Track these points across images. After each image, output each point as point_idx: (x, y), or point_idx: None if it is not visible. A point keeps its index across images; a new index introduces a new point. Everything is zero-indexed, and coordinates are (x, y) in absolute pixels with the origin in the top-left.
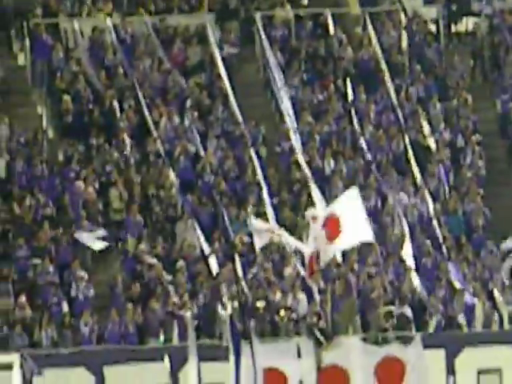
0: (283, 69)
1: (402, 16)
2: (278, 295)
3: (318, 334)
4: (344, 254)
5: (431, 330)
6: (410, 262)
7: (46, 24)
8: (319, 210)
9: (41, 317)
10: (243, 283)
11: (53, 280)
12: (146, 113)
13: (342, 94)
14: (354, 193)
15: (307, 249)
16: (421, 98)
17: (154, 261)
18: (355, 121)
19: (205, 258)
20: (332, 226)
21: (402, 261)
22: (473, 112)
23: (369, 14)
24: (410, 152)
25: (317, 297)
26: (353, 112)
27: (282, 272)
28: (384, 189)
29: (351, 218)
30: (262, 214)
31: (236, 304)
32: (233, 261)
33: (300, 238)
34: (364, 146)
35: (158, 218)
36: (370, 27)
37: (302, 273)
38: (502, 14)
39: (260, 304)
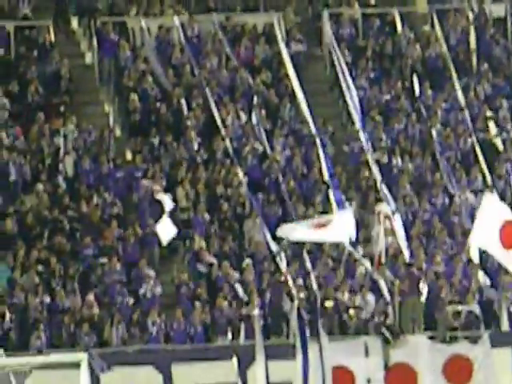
0: (350, 67)
1: (470, 14)
2: (347, 294)
3: (385, 332)
4: (412, 252)
5: (503, 328)
6: (477, 260)
7: (113, 22)
8: (386, 207)
9: (110, 315)
10: (312, 280)
11: (120, 278)
12: (214, 111)
13: (409, 93)
14: None
15: (376, 245)
16: (488, 96)
17: (213, 260)
18: (423, 119)
19: (272, 256)
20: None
21: (470, 259)
22: None
23: (436, 12)
24: (478, 151)
25: (384, 295)
26: (421, 110)
27: (351, 270)
28: (451, 188)
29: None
30: (328, 213)
31: (303, 296)
32: (301, 258)
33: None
34: (433, 144)
35: (225, 217)
36: (437, 25)
37: (371, 270)
38: None
39: (328, 304)
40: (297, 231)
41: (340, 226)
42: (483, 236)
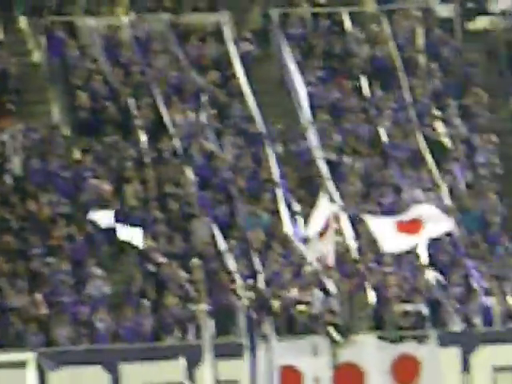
0: (299, 67)
1: (418, 14)
2: (295, 292)
3: (333, 331)
4: (360, 250)
5: (451, 328)
6: (425, 258)
7: (62, 21)
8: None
9: (58, 314)
10: (260, 280)
11: (68, 278)
12: (162, 110)
13: (358, 92)
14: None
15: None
16: (436, 95)
17: (162, 259)
18: (371, 118)
19: (221, 255)
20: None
21: (418, 257)
22: (488, 110)
23: (385, 12)
24: (426, 149)
25: (332, 294)
26: (370, 109)
27: (299, 269)
28: (400, 186)
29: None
30: (276, 212)
31: (252, 296)
32: (249, 257)
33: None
34: (381, 142)
35: (174, 216)
36: (385, 25)
37: (319, 269)
38: None
39: (276, 304)
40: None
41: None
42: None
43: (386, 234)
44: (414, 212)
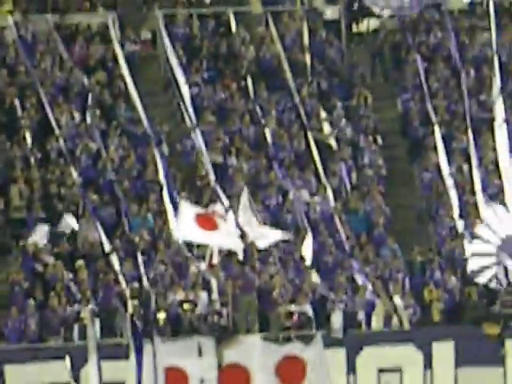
0: (185, 67)
1: (304, 15)
2: (180, 293)
3: (218, 332)
4: (245, 251)
5: (334, 327)
6: (310, 259)
7: None
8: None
9: None
10: (145, 280)
11: None
12: (48, 111)
13: (244, 93)
14: None
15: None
16: (322, 96)
17: (47, 259)
18: (258, 119)
19: (106, 256)
20: None
21: (303, 259)
22: (374, 111)
23: (271, 13)
24: (313, 150)
25: (217, 295)
26: (256, 110)
27: (184, 269)
28: (286, 187)
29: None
30: (162, 213)
31: (137, 302)
32: (134, 258)
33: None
34: (267, 144)
35: (59, 216)
36: (272, 26)
37: (204, 270)
38: (403, 15)
39: (161, 316)
40: (192, 232)
41: (228, 231)
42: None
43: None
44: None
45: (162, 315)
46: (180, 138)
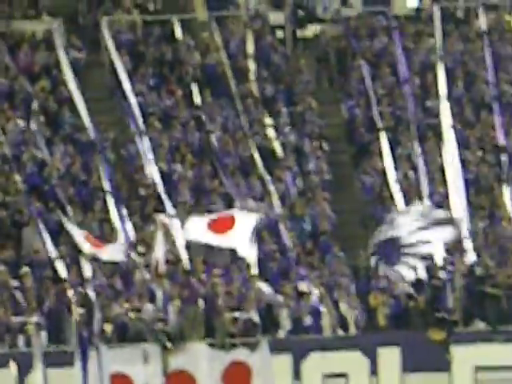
0: (130, 74)
1: (249, 21)
2: (125, 301)
3: (164, 339)
4: (191, 259)
5: (281, 334)
6: (255, 266)
7: None
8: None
9: None
10: (90, 288)
11: None
12: None
13: (189, 100)
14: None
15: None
16: (267, 102)
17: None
18: (203, 126)
19: (52, 263)
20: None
21: (248, 266)
22: (319, 117)
23: (215, 19)
24: (257, 157)
25: (163, 302)
26: (201, 117)
27: (129, 278)
28: (231, 194)
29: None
30: (108, 220)
31: (82, 310)
32: (79, 266)
33: (146, 243)
34: (212, 150)
35: (4, 224)
36: (216, 32)
37: (150, 278)
38: (348, 21)
39: (107, 327)
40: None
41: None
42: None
43: (199, 231)
44: (229, 213)
45: (108, 327)
46: (125, 144)
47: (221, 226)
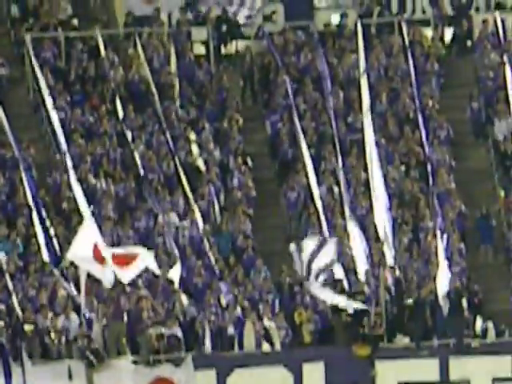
0: (53, 90)
1: (172, 37)
2: (49, 317)
3: (89, 355)
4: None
5: (204, 349)
6: (178, 283)
7: None
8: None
9: None
10: (14, 302)
11: None
12: None
13: (112, 115)
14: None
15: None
16: (191, 118)
17: None
18: (126, 142)
19: None
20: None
21: (171, 282)
22: (243, 133)
23: (139, 35)
24: (181, 172)
25: (88, 319)
26: (125, 133)
27: (54, 293)
28: (155, 209)
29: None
30: (32, 236)
31: (3, 324)
32: (3, 281)
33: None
34: (136, 166)
35: None
36: (140, 48)
37: (74, 294)
38: (272, 36)
39: (28, 327)
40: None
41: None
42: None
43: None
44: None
45: (29, 327)
46: (48, 160)
47: (123, 260)
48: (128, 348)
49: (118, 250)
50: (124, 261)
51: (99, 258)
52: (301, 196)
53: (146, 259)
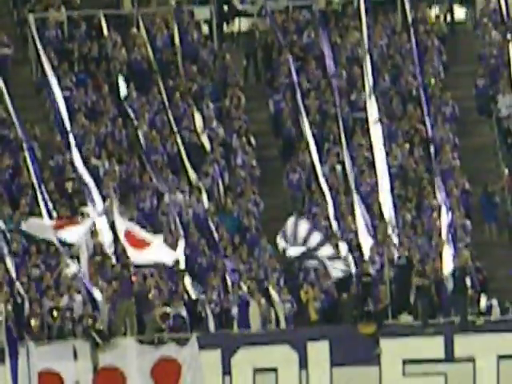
0: (56, 70)
1: (175, 16)
2: (53, 296)
3: (94, 335)
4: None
5: (210, 328)
6: (183, 262)
7: None
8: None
9: None
10: (18, 284)
11: None
12: None
13: (116, 95)
14: None
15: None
16: (194, 97)
17: None
18: (130, 121)
19: None
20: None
21: (177, 261)
22: (246, 112)
23: (142, 15)
24: (184, 152)
25: (94, 298)
26: (128, 113)
27: (58, 273)
28: (159, 189)
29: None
30: (36, 215)
31: (10, 306)
32: (5, 261)
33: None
34: (139, 146)
35: None
36: (142, 28)
37: (80, 273)
38: (275, 15)
39: (34, 322)
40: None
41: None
42: None
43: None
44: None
45: (35, 322)
46: (52, 140)
47: (138, 242)
48: (136, 327)
49: (134, 229)
50: (137, 242)
51: (139, 244)
52: (304, 175)
53: (159, 250)
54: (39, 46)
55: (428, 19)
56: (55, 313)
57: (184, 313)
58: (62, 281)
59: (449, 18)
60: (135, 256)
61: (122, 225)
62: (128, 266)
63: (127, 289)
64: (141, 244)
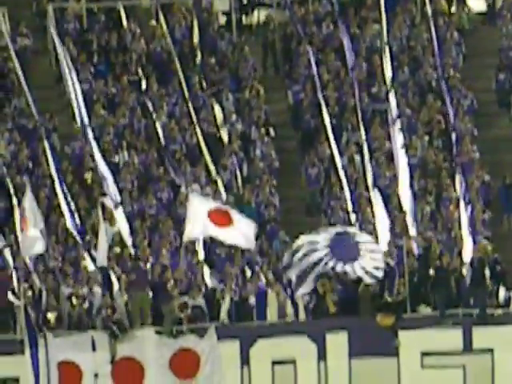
0: (75, 61)
1: (194, 8)
2: (73, 287)
3: (112, 326)
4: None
5: (223, 317)
6: (202, 252)
7: None
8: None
9: None
10: (35, 275)
11: None
12: None
13: (134, 87)
14: None
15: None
16: (214, 89)
17: None
18: (149, 113)
19: None
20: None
21: (196, 252)
22: (265, 103)
23: (161, 7)
24: (203, 143)
25: (112, 289)
26: (147, 104)
27: (77, 264)
28: (177, 180)
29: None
30: (55, 207)
31: (30, 295)
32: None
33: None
34: (158, 137)
35: None
36: (162, 19)
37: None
38: (294, 6)
39: (51, 315)
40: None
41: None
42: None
43: (198, 219)
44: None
45: (52, 315)
46: (71, 131)
47: (221, 219)
48: (151, 318)
49: (218, 207)
50: (221, 219)
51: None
52: (323, 167)
53: (239, 233)
54: (58, 37)
55: (447, 11)
56: (74, 300)
57: (203, 303)
58: (82, 271)
59: (469, 8)
60: (219, 233)
61: (205, 205)
62: (144, 258)
63: (143, 280)
64: (225, 221)
